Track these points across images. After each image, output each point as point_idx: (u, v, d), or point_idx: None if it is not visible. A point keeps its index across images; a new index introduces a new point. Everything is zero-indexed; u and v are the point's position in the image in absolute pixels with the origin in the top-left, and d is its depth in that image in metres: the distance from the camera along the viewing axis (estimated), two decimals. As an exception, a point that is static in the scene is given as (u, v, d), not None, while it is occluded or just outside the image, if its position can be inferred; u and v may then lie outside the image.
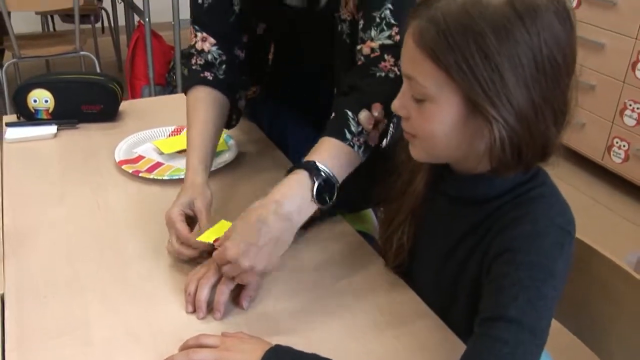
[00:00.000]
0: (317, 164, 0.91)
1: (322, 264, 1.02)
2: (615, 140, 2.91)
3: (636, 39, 2.77)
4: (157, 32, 3.61)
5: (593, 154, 3.06)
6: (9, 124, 1.44)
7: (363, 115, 0.98)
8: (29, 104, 1.45)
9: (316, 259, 1.03)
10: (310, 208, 0.91)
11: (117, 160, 1.29)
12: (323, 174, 0.91)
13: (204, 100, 1.18)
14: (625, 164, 2.89)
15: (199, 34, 1.21)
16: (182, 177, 1.09)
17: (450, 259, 0.86)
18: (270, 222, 0.86)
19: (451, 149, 0.79)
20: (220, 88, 1.20)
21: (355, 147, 0.96)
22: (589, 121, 3.04)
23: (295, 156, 1.25)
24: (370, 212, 1.31)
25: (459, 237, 0.84)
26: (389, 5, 1.03)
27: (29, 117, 1.47)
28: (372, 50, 1.04)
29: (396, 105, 0.82)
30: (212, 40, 1.21)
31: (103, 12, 4.32)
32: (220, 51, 1.21)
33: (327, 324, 0.88)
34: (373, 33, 1.04)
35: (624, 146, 2.88)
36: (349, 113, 0.97)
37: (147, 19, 3.31)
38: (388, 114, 0.97)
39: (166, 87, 3.59)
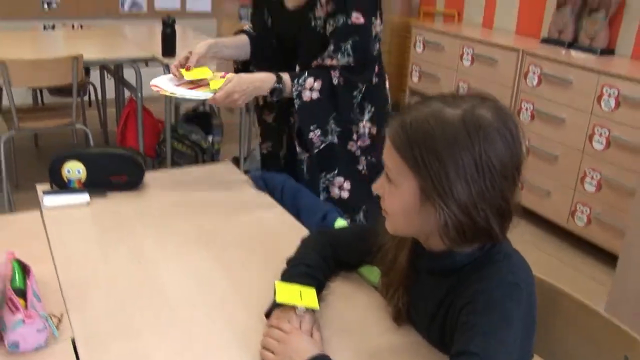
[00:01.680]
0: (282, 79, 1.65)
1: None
2: (578, 205, 3.17)
3: (591, 113, 3.07)
4: (146, 107, 3.81)
5: (558, 219, 3.31)
6: (45, 192, 1.60)
7: (310, 80, 1.67)
8: (63, 174, 1.61)
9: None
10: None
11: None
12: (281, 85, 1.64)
13: (238, 35, 1.92)
14: (588, 227, 3.14)
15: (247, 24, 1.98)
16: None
17: (435, 321, 1.05)
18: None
19: (412, 226, 1.01)
20: (249, 36, 1.91)
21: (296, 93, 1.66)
22: (554, 188, 3.30)
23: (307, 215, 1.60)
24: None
25: (438, 302, 1.03)
26: (350, 42, 1.66)
27: (61, 186, 1.63)
28: (332, 66, 1.68)
29: (376, 186, 1.04)
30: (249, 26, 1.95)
31: (90, 86, 4.52)
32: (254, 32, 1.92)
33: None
34: (339, 55, 1.67)
35: (586, 211, 3.13)
36: (306, 74, 1.67)
37: (139, 94, 3.51)
38: (323, 94, 1.67)
39: (156, 158, 3.76)
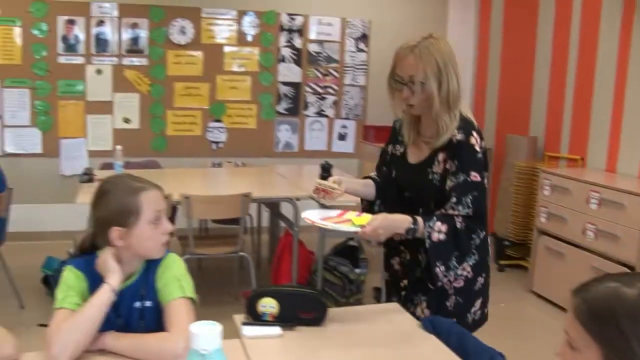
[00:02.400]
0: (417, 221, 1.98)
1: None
2: None
3: None
4: (300, 238, 4.18)
5: None
6: (244, 323, 1.90)
7: (438, 223, 1.97)
8: (257, 308, 1.91)
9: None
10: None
11: None
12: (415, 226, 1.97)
13: (366, 180, 2.33)
14: None
15: (372, 173, 2.36)
16: None
17: None
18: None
19: None
20: (375, 182, 2.30)
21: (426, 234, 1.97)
22: None
23: None
24: None
25: None
26: (470, 197, 1.99)
27: (255, 318, 1.93)
28: (454, 214, 1.99)
29: (558, 352, 1.21)
30: (376, 174, 2.35)
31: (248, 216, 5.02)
32: (379, 180, 2.31)
33: None
34: (460, 207, 1.98)
35: None
36: (435, 218, 1.98)
37: (295, 229, 3.90)
38: (449, 235, 1.97)
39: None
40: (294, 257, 3.93)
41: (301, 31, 6.17)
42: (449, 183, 2.03)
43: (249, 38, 6.08)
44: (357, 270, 4.13)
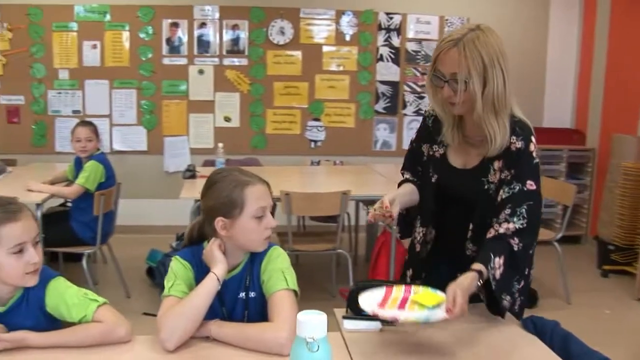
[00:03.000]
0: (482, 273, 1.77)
1: None
2: None
3: None
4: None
5: None
6: (344, 317, 1.89)
7: (497, 260, 1.79)
8: (359, 302, 1.90)
9: None
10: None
11: None
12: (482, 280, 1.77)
13: (407, 185, 2.12)
14: None
15: (405, 173, 2.17)
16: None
17: None
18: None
19: None
20: (415, 185, 2.10)
21: (491, 277, 1.78)
22: None
23: None
24: None
25: None
26: (525, 207, 1.84)
27: (356, 313, 1.91)
28: (508, 229, 1.84)
29: None
30: (408, 175, 2.16)
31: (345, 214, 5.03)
32: (415, 179, 2.13)
33: None
34: (515, 219, 1.84)
35: None
36: (492, 255, 1.79)
37: (393, 227, 3.86)
38: (506, 265, 1.80)
39: (403, 286, 4.02)
40: (391, 254, 3.89)
41: (399, 30, 6.12)
42: (503, 194, 1.89)
43: (347, 37, 6.09)
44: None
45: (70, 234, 4.00)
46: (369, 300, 1.72)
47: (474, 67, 1.77)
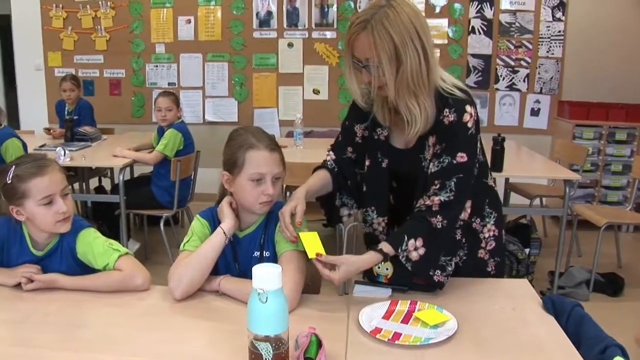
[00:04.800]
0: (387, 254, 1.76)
1: None
2: None
3: None
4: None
5: None
6: (357, 282, 1.90)
7: (411, 242, 1.75)
8: (374, 269, 1.89)
9: None
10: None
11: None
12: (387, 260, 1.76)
13: (320, 173, 2.03)
14: None
15: (330, 152, 2.08)
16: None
17: None
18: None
19: None
20: (330, 172, 2.02)
21: (404, 259, 1.75)
22: None
23: None
24: None
25: None
26: (454, 179, 1.77)
27: (370, 279, 1.91)
28: (434, 202, 1.77)
29: None
30: (332, 156, 2.07)
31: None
32: (334, 165, 2.04)
33: None
34: (442, 192, 1.77)
35: None
36: (405, 237, 1.75)
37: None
38: (427, 245, 1.75)
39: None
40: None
41: (492, 0, 5.88)
42: (432, 167, 1.81)
43: (438, 9, 5.94)
44: (527, 250, 3.89)
45: (149, 198, 4.23)
46: (372, 313, 1.70)
47: (384, 51, 1.66)
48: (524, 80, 5.98)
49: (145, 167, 4.69)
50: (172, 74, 6.17)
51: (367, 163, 2.01)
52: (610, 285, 4.21)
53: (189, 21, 6.07)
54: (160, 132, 4.41)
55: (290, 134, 5.22)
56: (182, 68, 6.16)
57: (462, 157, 1.79)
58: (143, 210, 4.33)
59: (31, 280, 1.82)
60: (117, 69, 6.19)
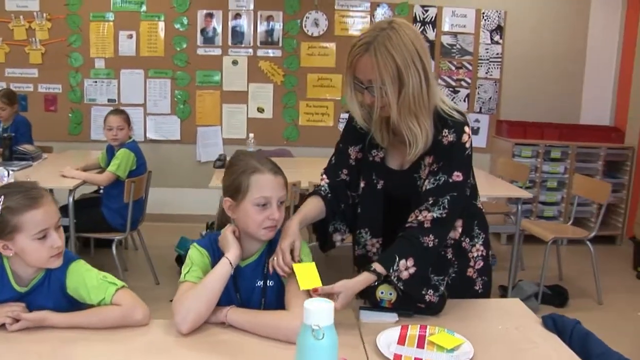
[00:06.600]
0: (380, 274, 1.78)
1: None
2: None
3: None
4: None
5: None
6: (362, 307, 1.88)
7: (402, 262, 1.77)
8: (376, 295, 1.88)
9: None
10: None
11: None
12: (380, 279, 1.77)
13: (313, 201, 1.99)
14: None
15: (323, 176, 2.06)
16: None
17: None
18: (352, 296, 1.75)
19: None
20: (324, 200, 1.99)
21: (395, 278, 1.77)
22: None
23: None
24: None
25: None
26: (448, 197, 1.80)
27: (373, 304, 1.90)
28: (426, 218, 1.80)
29: None
30: (326, 180, 2.04)
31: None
32: (328, 190, 2.01)
33: None
34: (435, 208, 1.80)
35: None
36: (397, 257, 1.77)
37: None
38: (418, 264, 1.77)
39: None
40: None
41: (434, 23, 6.05)
42: (428, 184, 1.85)
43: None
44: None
45: (100, 220, 4.07)
46: (387, 339, 1.69)
47: (387, 72, 1.69)
48: (464, 100, 6.16)
49: (88, 187, 4.51)
50: (112, 90, 5.97)
51: (362, 185, 2.03)
52: (557, 297, 4.38)
53: (130, 36, 5.90)
54: (110, 151, 4.26)
55: (239, 153, 5.14)
56: (122, 84, 5.97)
57: (458, 176, 1.84)
58: (93, 234, 4.15)
59: (16, 320, 1.68)
60: (53, 84, 5.93)
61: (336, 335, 1.21)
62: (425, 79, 1.74)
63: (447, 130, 1.83)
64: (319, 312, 1.18)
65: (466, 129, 1.85)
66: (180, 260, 4.63)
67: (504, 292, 4.27)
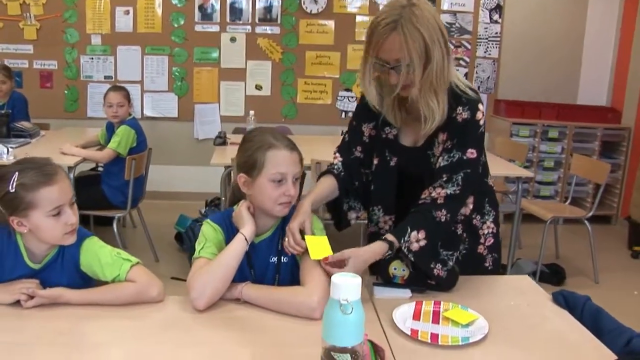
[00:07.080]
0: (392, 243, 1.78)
1: None
2: None
3: None
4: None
5: None
6: (375, 284, 1.89)
7: (414, 234, 1.78)
8: (389, 271, 1.89)
9: None
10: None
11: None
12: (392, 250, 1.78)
13: (327, 180, 2.01)
14: None
15: (336, 154, 2.08)
16: None
17: None
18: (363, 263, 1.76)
19: None
20: (337, 178, 2.00)
21: (405, 249, 1.78)
22: None
23: None
24: None
25: None
26: (462, 174, 1.81)
27: (385, 280, 1.91)
28: (440, 195, 1.81)
29: None
30: (339, 158, 2.06)
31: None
32: (341, 168, 2.03)
33: None
34: (449, 185, 1.81)
35: None
36: (409, 228, 1.78)
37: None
38: (429, 237, 1.79)
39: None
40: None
41: (434, 1, 6.01)
42: (442, 161, 1.85)
43: (381, 7, 5.99)
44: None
45: (101, 198, 4.06)
46: (403, 315, 1.69)
47: (415, 50, 1.69)
48: (462, 79, 6.13)
49: (87, 164, 4.49)
50: (109, 67, 5.92)
51: (375, 162, 2.03)
52: (554, 275, 4.42)
53: (127, 12, 5.83)
54: (110, 128, 4.23)
55: (239, 130, 5.14)
56: (119, 61, 5.91)
57: (472, 153, 1.85)
58: (94, 211, 4.13)
59: (31, 297, 1.67)
60: (48, 60, 5.86)
61: (363, 310, 1.22)
62: (447, 54, 1.76)
63: (461, 108, 1.84)
64: (348, 286, 1.18)
65: (480, 106, 1.86)
66: (179, 237, 4.63)
67: (503, 271, 4.29)
